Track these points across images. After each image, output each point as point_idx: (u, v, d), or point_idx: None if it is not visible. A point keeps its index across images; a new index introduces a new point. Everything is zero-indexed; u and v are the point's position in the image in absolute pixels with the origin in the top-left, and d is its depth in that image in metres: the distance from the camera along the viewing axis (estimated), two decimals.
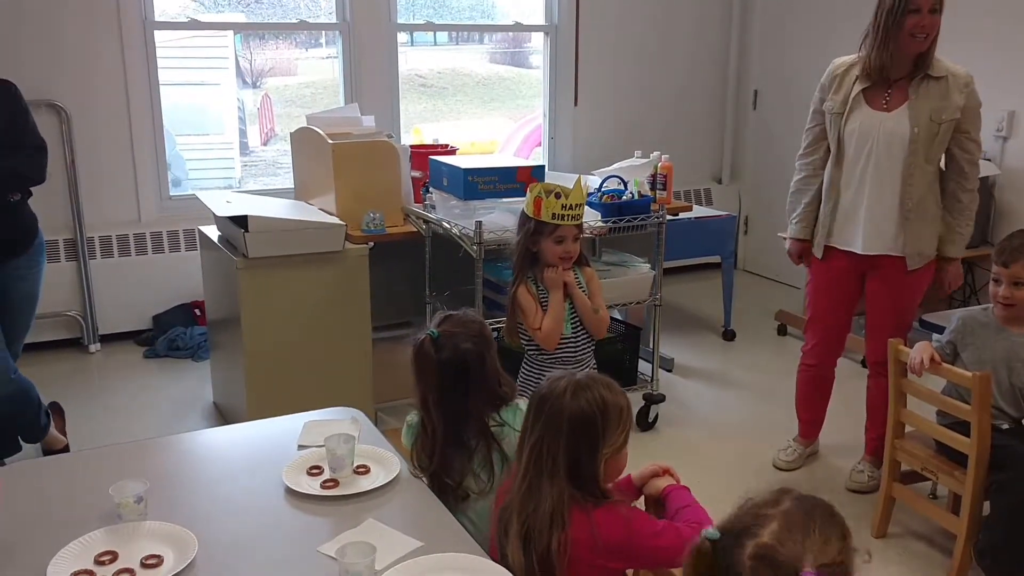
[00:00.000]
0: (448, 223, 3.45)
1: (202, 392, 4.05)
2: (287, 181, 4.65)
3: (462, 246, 3.37)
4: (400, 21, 5.13)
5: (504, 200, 3.44)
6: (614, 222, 3.52)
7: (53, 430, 3.36)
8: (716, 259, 4.96)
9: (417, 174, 3.91)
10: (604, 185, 3.75)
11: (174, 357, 4.49)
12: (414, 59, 6.71)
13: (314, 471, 1.95)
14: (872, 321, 3.16)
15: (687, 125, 5.92)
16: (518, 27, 5.80)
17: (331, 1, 4.99)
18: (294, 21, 5.15)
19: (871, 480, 3.18)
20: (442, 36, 7.14)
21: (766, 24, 5.83)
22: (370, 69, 5.01)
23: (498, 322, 2.95)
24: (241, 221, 3.25)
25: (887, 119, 2.92)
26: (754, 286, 5.85)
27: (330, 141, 3.61)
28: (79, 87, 4.43)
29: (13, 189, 3.07)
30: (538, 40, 5.77)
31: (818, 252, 3.17)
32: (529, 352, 2.84)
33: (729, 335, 4.84)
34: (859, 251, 3.05)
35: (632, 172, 3.98)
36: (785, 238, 3.30)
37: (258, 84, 7.64)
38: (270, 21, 5.26)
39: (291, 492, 1.87)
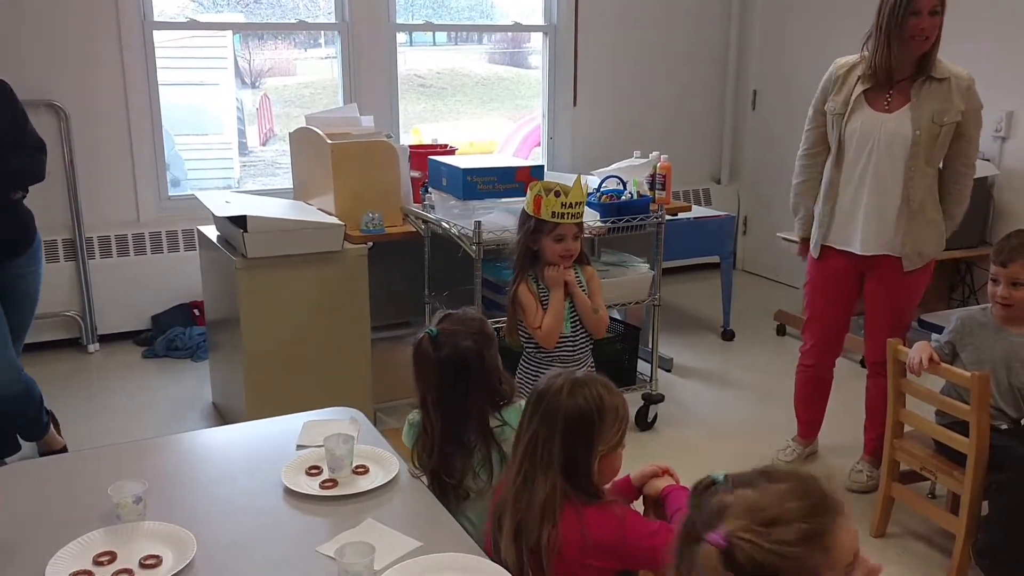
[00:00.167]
0: (447, 223, 3.45)
1: (201, 392, 4.05)
2: (286, 181, 4.65)
3: (461, 246, 3.37)
4: (399, 21, 5.13)
5: (503, 200, 3.44)
6: (613, 222, 3.52)
7: (52, 430, 3.36)
8: (715, 259, 4.97)
9: (416, 174, 3.91)
10: (603, 185, 3.75)
11: (173, 357, 4.48)
12: (413, 59, 6.71)
13: (313, 471, 1.95)
14: (871, 321, 3.16)
15: (686, 125, 5.93)
16: (517, 27, 5.80)
17: (330, 1, 4.99)
18: (293, 21, 5.15)
19: (870, 480, 3.18)
20: (441, 36, 7.15)
21: (765, 23, 5.83)
22: (369, 69, 5.01)
23: (498, 322, 2.95)
24: (240, 221, 3.25)
25: (888, 120, 2.92)
26: (753, 286, 5.86)
27: (329, 141, 3.61)
28: (78, 87, 4.43)
29: (18, 188, 3.10)
30: (537, 40, 5.77)
31: (815, 252, 3.17)
32: (528, 350, 2.84)
33: (728, 335, 4.84)
34: (857, 251, 3.05)
35: (631, 172, 3.98)
36: (785, 239, 3.30)
37: (257, 84, 7.65)
38: (269, 21, 5.26)
39: (290, 492, 1.87)
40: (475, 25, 6.14)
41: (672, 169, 4.10)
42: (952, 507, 2.81)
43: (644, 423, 3.71)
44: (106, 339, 4.63)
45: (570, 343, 2.80)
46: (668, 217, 3.83)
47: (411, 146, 4.16)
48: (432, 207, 3.66)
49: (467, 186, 3.39)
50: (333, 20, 5.02)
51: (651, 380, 3.75)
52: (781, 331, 4.91)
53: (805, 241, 3.25)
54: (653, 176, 4.04)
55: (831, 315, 3.22)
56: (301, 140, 3.96)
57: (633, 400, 3.62)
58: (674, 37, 5.79)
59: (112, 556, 1.61)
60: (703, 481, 1.19)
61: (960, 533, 2.62)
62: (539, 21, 5.57)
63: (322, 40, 6.57)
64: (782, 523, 1.08)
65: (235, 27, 5.66)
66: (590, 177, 3.99)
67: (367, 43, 4.98)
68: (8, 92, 3.04)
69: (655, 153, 4.14)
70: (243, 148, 7.22)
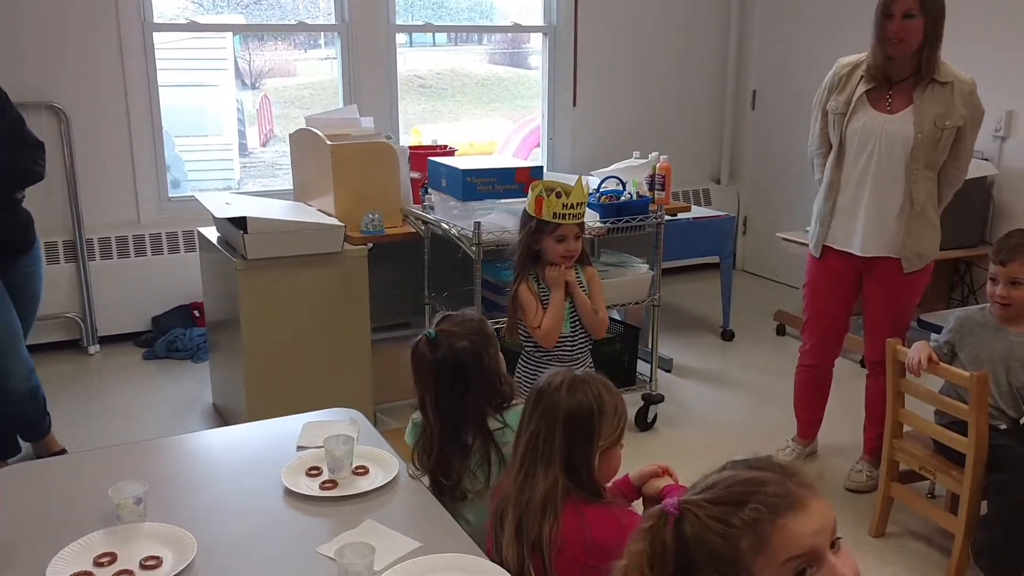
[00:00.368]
0: (447, 224, 3.45)
1: (201, 393, 4.05)
2: (286, 182, 4.65)
3: (461, 247, 3.37)
4: (399, 22, 5.13)
5: (503, 201, 3.44)
6: (613, 223, 3.52)
7: (52, 433, 3.37)
8: (715, 259, 4.97)
9: (416, 175, 3.92)
10: (603, 186, 3.75)
11: (173, 358, 4.49)
12: (413, 60, 6.72)
13: (313, 472, 1.95)
14: (870, 322, 3.16)
15: (686, 125, 5.93)
16: (517, 28, 5.80)
17: (330, 2, 5.00)
18: (293, 22, 5.15)
19: (869, 480, 3.18)
20: (441, 37, 7.15)
21: (764, 24, 5.83)
22: (369, 70, 5.02)
23: (498, 322, 2.95)
24: (240, 222, 3.25)
25: (890, 121, 2.92)
26: (753, 286, 5.86)
27: (329, 142, 3.62)
28: (78, 89, 4.43)
29: (25, 186, 3.15)
30: (537, 41, 5.78)
31: (815, 251, 3.18)
32: (527, 349, 2.85)
33: (728, 335, 4.85)
34: (856, 252, 3.05)
35: (631, 173, 3.98)
36: (785, 239, 3.30)
37: (257, 85, 7.65)
38: (269, 22, 5.26)
39: (290, 493, 1.88)
40: (475, 26, 6.14)
41: (672, 169, 4.11)
42: (951, 507, 2.81)
43: (644, 423, 3.72)
44: (106, 340, 4.63)
45: (569, 343, 2.80)
46: (668, 217, 3.83)
47: (411, 147, 4.16)
48: (432, 208, 3.66)
49: (467, 187, 3.40)
50: (333, 21, 5.02)
51: (651, 380, 3.75)
52: (781, 331, 4.92)
53: None
54: (653, 176, 4.04)
55: (831, 315, 3.22)
56: (301, 141, 3.97)
57: (633, 400, 3.62)
58: (673, 38, 5.80)
59: (112, 557, 1.62)
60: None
61: (959, 533, 2.62)
62: (539, 22, 5.57)
63: (322, 41, 6.57)
64: (725, 503, 1.11)
65: (235, 28, 5.66)
66: (590, 177, 3.99)
67: (367, 44, 4.98)
68: (3, 94, 3.07)
69: (654, 153, 4.14)
70: (243, 149, 7.22)
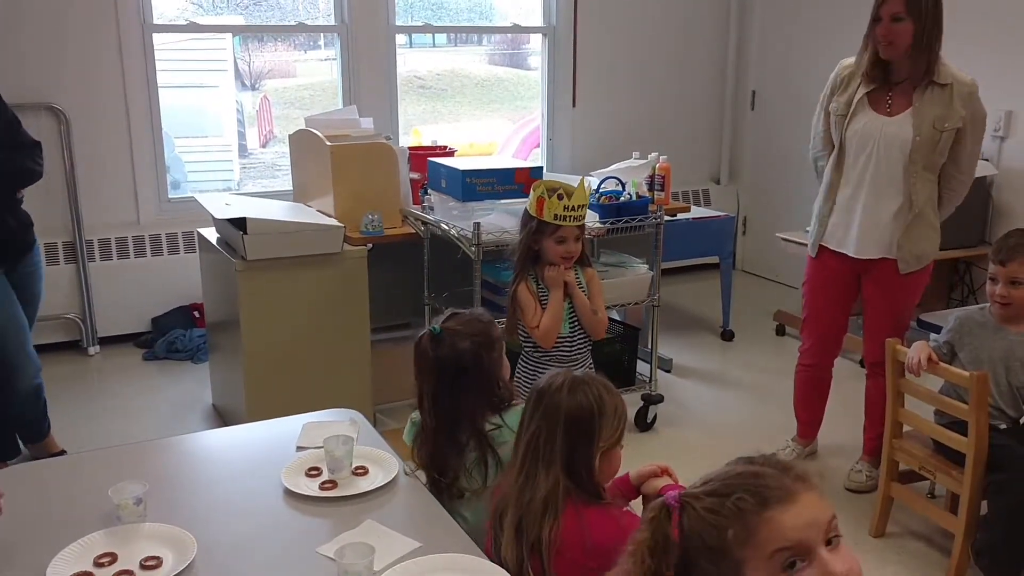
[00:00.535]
0: (446, 224, 3.45)
1: (201, 394, 4.05)
2: (286, 183, 4.65)
3: (460, 248, 3.37)
4: (398, 23, 5.13)
5: (502, 201, 3.44)
6: (612, 223, 3.52)
7: (51, 435, 3.38)
8: (715, 260, 4.97)
9: (416, 176, 3.92)
10: (602, 186, 3.75)
11: (173, 359, 4.49)
12: (413, 61, 6.72)
13: (313, 472, 1.95)
14: (869, 322, 3.16)
15: (685, 126, 5.93)
16: (516, 29, 5.80)
17: (329, 3, 5.00)
18: (292, 23, 5.15)
19: (869, 480, 3.18)
20: (440, 38, 7.16)
21: (764, 25, 5.84)
22: (368, 71, 5.02)
23: (497, 323, 2.95)
24: (240, 223, 3.25)
25: (889, 123, 2.92)
26: (752, 286, 5.86)
27: (329, 143, 3.62)
28: (78, 90, 4.43)
29: (24, 185, 3.16)
30: (536, 41, 5.78)
31: (812, 251, 3.18)
32: (526, 349, 2.85)
33: (727, 335, 4.85)
34: (851, 254, 3.05)
35: (630, 173, 3.98)
36: (784, 239, 3.30)
37: (257, 86, 7.66)
38: (269, 23, 5.26)
39: (290, 493, 1.88)
40: (474, 27, 6.15)
41: (671, 170, 4.11)
42: (951, 507, 2.81)
43: (644, 423, 3.72)
44: (106, 341, 4.63)
45: (568, 343, 2.80)
46: (667, 218, 3.83)
47: (410, 148, 4.16)
48: (431, 208, 3.66)
49: (466, 187, 3.40)
50: (333, 22, 5.02)
51: (650, 380, 3.75)
52: (780, 331, 4.92)
53: None
54: (652, 177, 4.04)
55: (830, 315, 3.22)
56: (301, 142, 3.97)
57: (633, 400, 3.62)
58: (673, 38, 5.80)
59: (113, 557, 1.62)
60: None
61: (959, 533, 2.62)
62: (538, 22, 5.58)
63: (322, 42, 6.58)
64: (719, 494, 1.11)
65: (235, 30, 5.67)
66: (589, 178, 3.99)
67: (366, 45, 4.99)
68: None
69: (654, 154, 4.14)
70: (243, 150, 7.22)
